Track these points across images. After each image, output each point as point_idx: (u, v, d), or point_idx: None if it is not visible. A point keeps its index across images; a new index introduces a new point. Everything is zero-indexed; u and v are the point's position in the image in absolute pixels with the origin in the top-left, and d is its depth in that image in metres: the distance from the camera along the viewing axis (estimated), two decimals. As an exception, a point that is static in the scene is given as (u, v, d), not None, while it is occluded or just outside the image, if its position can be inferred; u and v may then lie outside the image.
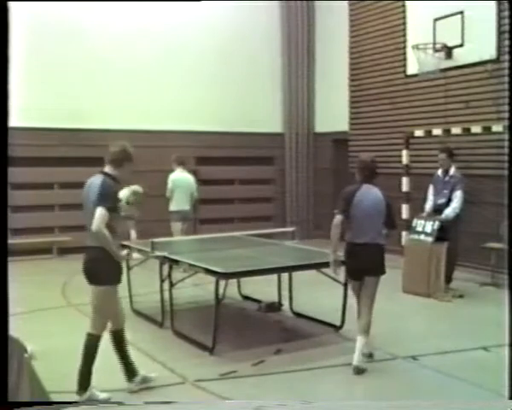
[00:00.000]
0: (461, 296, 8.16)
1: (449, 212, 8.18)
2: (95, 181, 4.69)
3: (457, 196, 8.22)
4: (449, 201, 8.28)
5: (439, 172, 8.56)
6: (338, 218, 5.38)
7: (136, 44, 12.02)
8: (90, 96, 11.60)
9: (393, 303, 5.86)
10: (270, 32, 13.53)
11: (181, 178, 10.05)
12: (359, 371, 5.22)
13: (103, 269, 4.62)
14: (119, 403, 4.57)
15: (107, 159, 4.77)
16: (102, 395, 4.66)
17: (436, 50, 9.75)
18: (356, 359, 5.26)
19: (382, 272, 5.48)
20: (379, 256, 5.45)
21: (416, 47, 9.96)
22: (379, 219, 5.42)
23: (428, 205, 8.60)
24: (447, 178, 8.42)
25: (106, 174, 4.72)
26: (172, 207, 9.98)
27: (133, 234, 9.26)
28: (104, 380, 5.18)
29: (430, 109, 10.38)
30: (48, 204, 11.63)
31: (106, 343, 6.22)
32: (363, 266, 5.42)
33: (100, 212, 4.45)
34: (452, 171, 8.43)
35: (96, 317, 4.77)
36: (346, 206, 5.38)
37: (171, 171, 10.15)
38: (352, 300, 6.40)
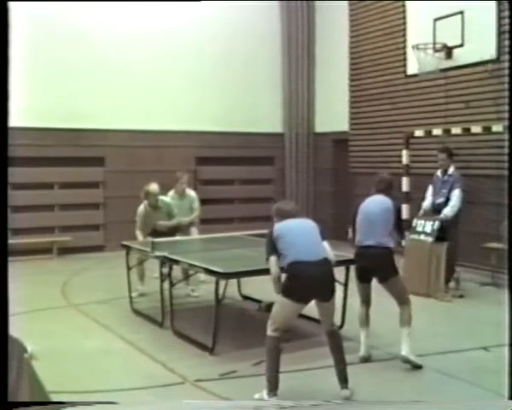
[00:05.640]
0: (461, 296, 8.17)
1: (447, 211, 8.20)
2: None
3: (456, 195, 8.24)
4: (447, 200, 8.30)
5: (439, 172, 8.61)
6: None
7: (136, 44, 12.01)
8: (90, 97, 11.59)
9: (393, 303, 5.87)
10: (270, 32, 13.51)
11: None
12: (405, 360, 5.42)
13: None
14: (119, 403, 4.56)
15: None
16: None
17: (436, 50, 9.73)
18: (405, 350, 5.43)
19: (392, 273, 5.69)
20: (387, 258, 5.62)
21: (416, 47, 9.95)
22: (383, 223, 5.57)
23: (425, 204, 8.65)
24: (446, 178, 8.46)
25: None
26: None
27: None
28: (104, 380, 5.20)
29: (430, 109, 10.38)
30: (48, 204, 11.61)
31: (106, 344, 6.25)
32: (370, 267, 5.61)
33: None
34: (451, 170, 8.46)
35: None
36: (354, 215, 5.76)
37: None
38: (351, 299, 6.42)
